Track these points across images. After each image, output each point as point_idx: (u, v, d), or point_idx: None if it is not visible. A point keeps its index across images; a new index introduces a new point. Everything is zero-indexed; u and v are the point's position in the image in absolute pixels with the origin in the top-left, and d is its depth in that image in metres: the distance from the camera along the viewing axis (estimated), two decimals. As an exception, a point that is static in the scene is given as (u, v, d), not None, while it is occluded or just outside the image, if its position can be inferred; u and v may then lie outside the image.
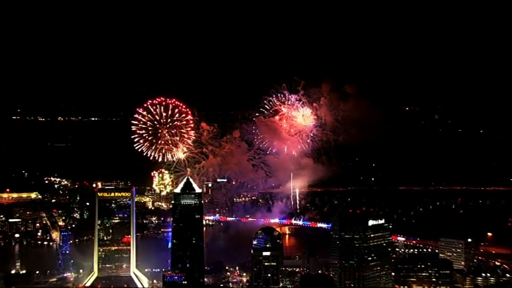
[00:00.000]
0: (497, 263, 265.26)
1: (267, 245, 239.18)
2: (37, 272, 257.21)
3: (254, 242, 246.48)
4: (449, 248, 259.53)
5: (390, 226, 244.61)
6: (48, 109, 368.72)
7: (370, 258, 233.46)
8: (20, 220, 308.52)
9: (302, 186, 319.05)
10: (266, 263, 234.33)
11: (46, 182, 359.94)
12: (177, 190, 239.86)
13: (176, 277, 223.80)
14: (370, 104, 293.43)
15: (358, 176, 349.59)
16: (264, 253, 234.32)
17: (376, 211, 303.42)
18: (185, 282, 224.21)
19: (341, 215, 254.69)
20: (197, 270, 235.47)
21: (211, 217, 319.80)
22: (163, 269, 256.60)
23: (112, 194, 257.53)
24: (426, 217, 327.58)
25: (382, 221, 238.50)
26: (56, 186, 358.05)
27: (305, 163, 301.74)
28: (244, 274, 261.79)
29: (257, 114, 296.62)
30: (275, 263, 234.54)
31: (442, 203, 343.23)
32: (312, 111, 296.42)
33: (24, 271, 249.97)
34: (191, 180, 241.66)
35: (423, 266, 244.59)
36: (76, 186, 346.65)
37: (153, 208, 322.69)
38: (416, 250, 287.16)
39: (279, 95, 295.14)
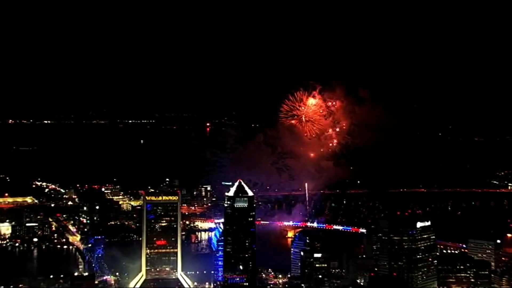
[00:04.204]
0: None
1: (315, 248, 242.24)
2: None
3: (297, 244, 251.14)
4: (479, 249, 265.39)
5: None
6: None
7: (418, 259, 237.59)
8: (36, 224, 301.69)
9: (318, 188, 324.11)
10: (317, 265, 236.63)
11: (34, 186, 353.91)
12: (230, 193, 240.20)
13: (238, 279, 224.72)
14: (383, 108, 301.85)
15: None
16: (316, 255, 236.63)
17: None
18: (246, 284, 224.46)
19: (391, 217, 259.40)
20: (251, 272, 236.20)
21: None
22: (197, 272, 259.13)
23: (160, 198, 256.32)
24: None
25: (429, 223, 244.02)
26: (46, 190, 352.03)
27: (324, 165, 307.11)
28: (280, 276, 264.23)
29: (278, 118, 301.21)
30: (326, 265, 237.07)
31: (436, 206, 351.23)
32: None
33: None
34: (243, 183, 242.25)
35: (462, 267, 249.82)
36: (84, 189, 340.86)
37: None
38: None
39: (297, 99, 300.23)
